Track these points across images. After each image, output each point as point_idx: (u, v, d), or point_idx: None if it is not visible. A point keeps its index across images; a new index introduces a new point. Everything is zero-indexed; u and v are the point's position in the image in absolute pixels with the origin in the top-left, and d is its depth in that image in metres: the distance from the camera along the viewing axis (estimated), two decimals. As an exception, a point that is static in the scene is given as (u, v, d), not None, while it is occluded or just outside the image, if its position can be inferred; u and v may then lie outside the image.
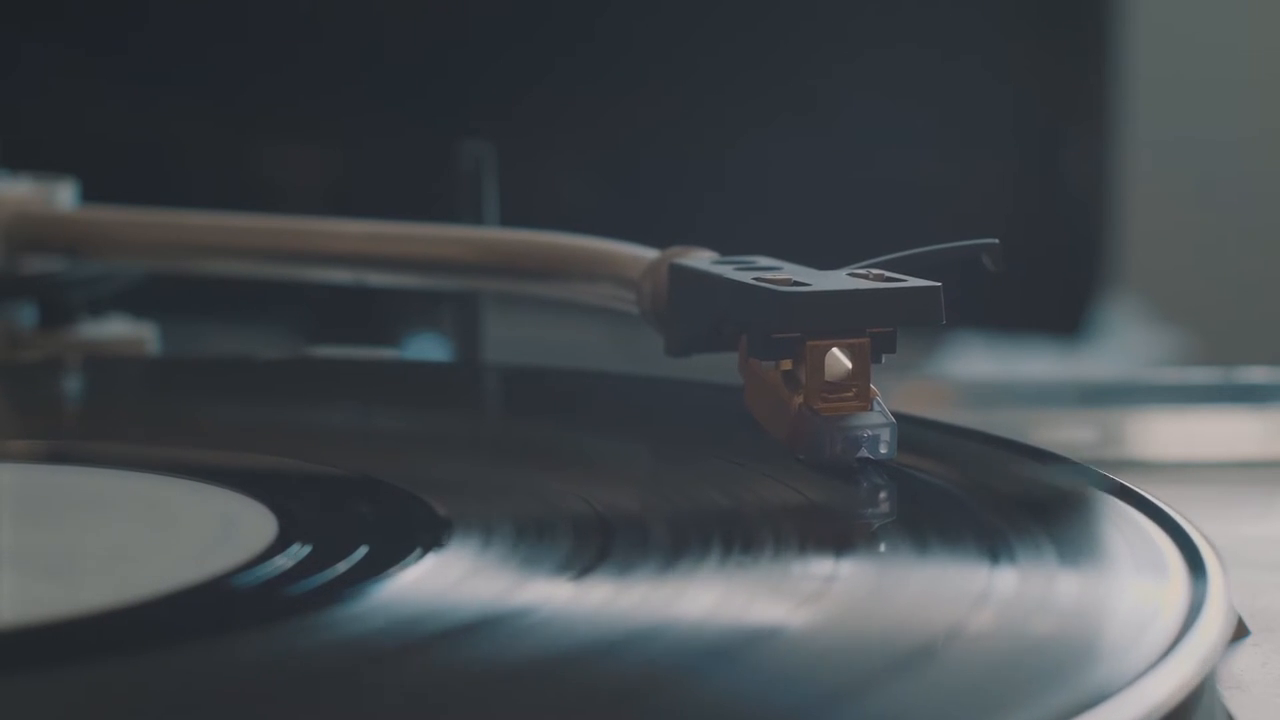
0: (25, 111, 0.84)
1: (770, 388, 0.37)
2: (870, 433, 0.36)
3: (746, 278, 0.38)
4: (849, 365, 0.36)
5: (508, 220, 0.52)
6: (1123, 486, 0.36)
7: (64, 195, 0.55)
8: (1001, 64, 0.90)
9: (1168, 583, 0.31)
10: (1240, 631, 0.35)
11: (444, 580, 0.31)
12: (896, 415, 0.37)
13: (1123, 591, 0.31)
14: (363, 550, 0.32)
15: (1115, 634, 0.29)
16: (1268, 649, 0.34)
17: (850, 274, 0.38)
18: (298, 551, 0.32)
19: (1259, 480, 0.51)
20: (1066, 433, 0.53)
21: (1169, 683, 0.26)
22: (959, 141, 0.90)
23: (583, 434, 0.42)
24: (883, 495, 0.36)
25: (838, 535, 0.34)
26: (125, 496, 0.37)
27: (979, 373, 0.79)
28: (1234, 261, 1.01)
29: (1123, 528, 0.34)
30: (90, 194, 0.55)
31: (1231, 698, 0.32)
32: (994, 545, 0.32)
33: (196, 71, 0.88)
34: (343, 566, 0.31)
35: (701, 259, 0.41)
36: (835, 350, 0.36)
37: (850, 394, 0.36)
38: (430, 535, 0.33)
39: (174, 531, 0.35)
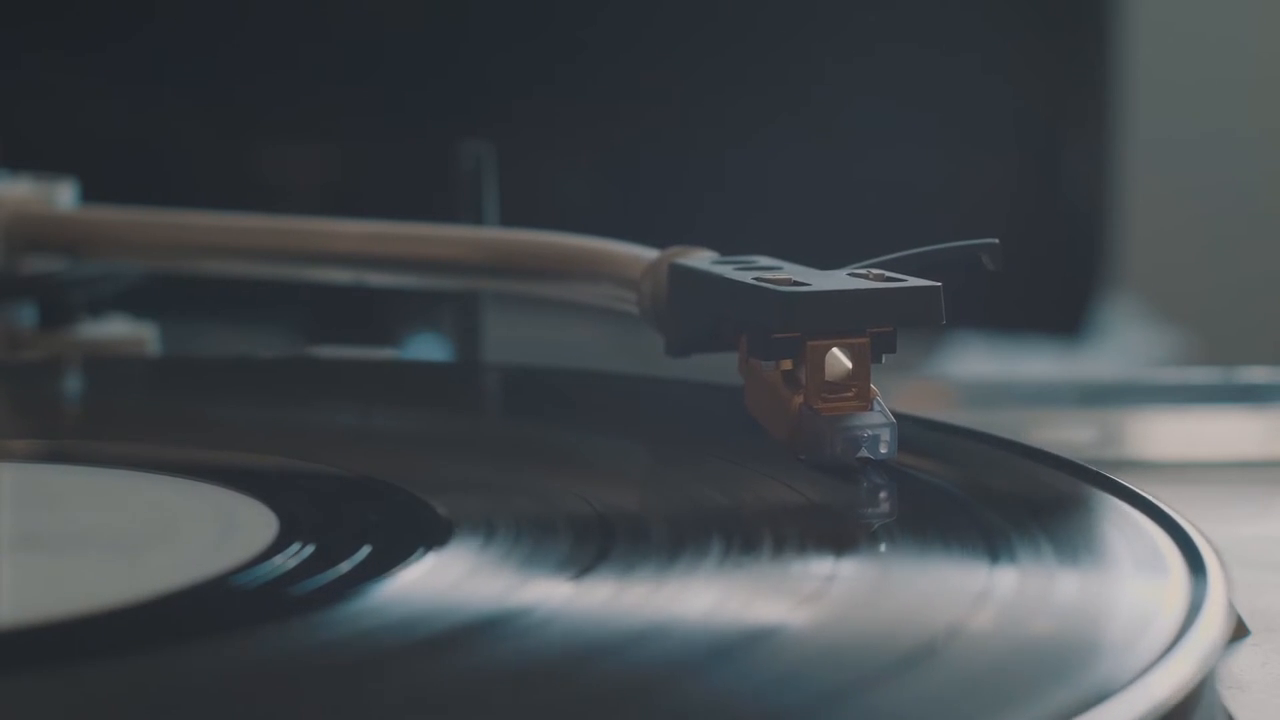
0: (25, 111, 0.84)
1: (770, 388, 0.37)
2: (870, 433, 0.36)
3: (746, 278, 0.38)
4: (849, 365, 0.36)
5: (508, 220, 0.52)
6: (1122, 486, 0.36)
7: (64, 195, 0.55)
8: (1001, 64, 0.91)
9: (1167, 582, 0.31)
10: (1240, 631, 0.35)
11: (444, 580, 0.31)
12: (896, 415, 0.37)
13: (1122, 591, 0.31)
14: (364, 550, 0.32)
15: (1115, 633, 0.29)
16: (1268, 649, 0.35)
17: (850, 274, 0.38)
18: (298, 551, 0.32)
19: (1259, 480, 0.51)
20: (1066, 433, 0.53)
21: (1169, 682, 0.26)
22: (959, 141, 0.90)
23: (583, 434, 0.42)
24: (883, 495, 0.36)
25: (838, 535, 0.34)
26: (125, 496, 0.37)
27: (979, 373, 0.79)
28: (1234, 261, 1.01)
29: (1122, 528, 0.34)
30: (90, 194, 0.55)
31: (1231, 698, 0.32)
32: (994, 545, 0.32)
33: (196, 71, 0.88)
34: (345, 566, 0.31)
35: (701, 259, 0.41)
36: (835, 350, 0.36)
37: (850, 394, 0.36)
38: (430, 535, 0.33)
39: (174, 531, 0.35)
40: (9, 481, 0.39)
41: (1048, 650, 0.28)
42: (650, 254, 0.43)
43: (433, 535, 0.33)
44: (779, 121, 0.89)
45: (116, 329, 0.55)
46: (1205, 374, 0.56)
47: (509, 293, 0.49)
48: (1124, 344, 0.92)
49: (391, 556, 0.32)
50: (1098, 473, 0.37)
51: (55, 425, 0.45)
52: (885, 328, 0.37)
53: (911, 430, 0.37)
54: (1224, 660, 0.31)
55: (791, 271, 0.38)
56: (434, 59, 0.88)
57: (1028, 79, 0.91)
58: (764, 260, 0.40)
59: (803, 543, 0.33)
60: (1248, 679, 0.33)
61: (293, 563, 0.32)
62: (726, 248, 0.42)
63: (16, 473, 0.40)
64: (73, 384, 0.50)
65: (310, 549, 0.32)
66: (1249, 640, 0.35)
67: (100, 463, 0.39)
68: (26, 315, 0.54)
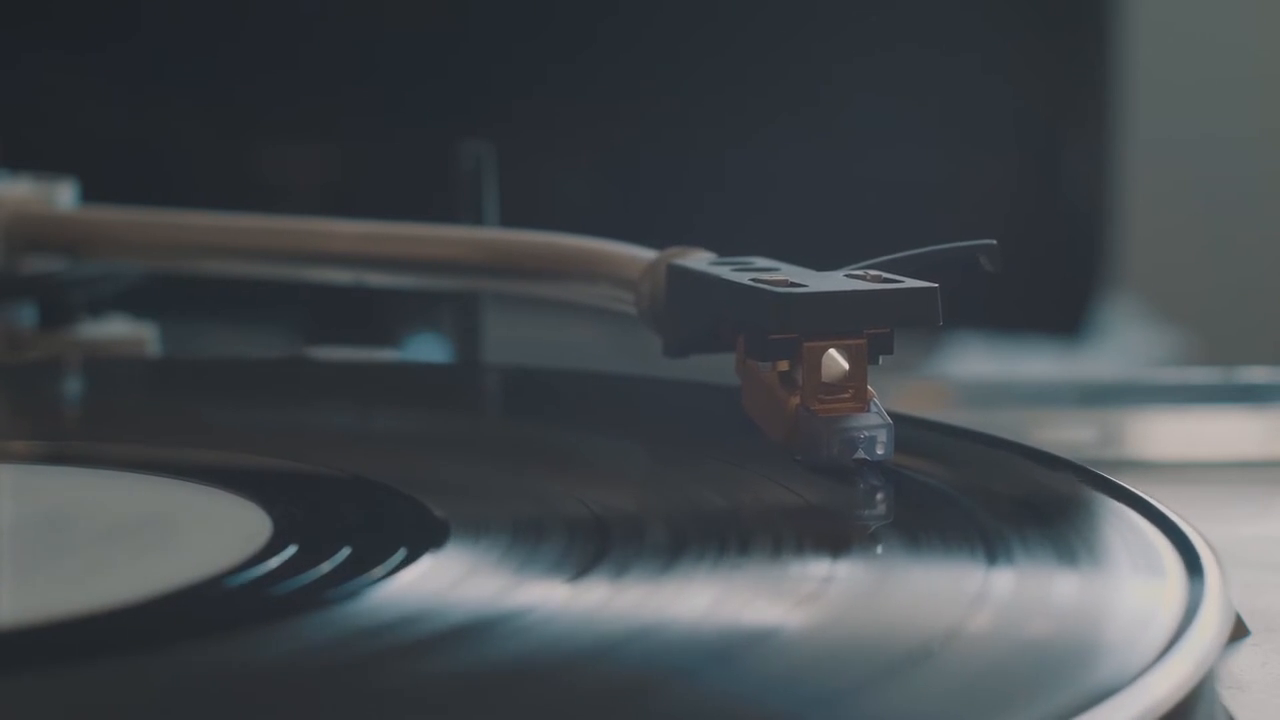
0: (25, 111, 0.84)
1: (767, 389, 0.37)
2: (867, 434, 0.36)
3: (744, 279, 0.38)
4: (846, 366, 0.36)
5: (508, 220, 0.52)
6: (1120, 487, 0.36)
7: (64, 195, 0.55)
8: (1001, 64, 0.91)
9: (1165, 583, 0.31)
10: (1240, 631, 0.35)
11: (440, 581, 0.31)
12: (894, 416, 0.36)
13: (1120, 592, 0.31)
14: (359, 552, 0.32)
15: (1113, 634, 0.29)
16: (1268, 649, 0.35)
17: (847, 275, 0.38)
18: (289, 554, 0.32)
19: (1259, 480, 0.51)
20: (1066, 433, 0.53)
21: (1167, 683, 0.26)
22: (959, 141, 0.90)
23: (581, 435, 0.42)
24: (879, 496, 0.36)
25: (835, 536, 0.34)
26: (123, 498, 0.37)
27: (979, 373, 0.80)
28: (1234, 261, 1.01)
29: (1120, 528, 0.34)
30: (90, 194, 0.55)
31: (1231, 698, 0.32)
32: (991, 546, 0.32)
33: (196, 71, 0.88)
34: (339, 568, 0.31)
35: (699, 260, 0.41)
36: (832, 351, 0.36)
37: (847, 395, 0.36)
38: (427, 537, 0.33)
39: (170, 533, 0.35)
40: (8, 482, 0.39)
41: (1046, 651, 0.28)
42: (648, 255, 0.43)
43: (429, 537, 0.33)
44: (779, 121, 0.89)
45: (116, 329, 0.55)
46: (1205, 374, 0.56)
47: (508, 293, 0.49)
48: (1124, 344, 0.92)
49: (388, 558, 0.32)
50: (1095, 473, 0.37)
51: (55, 425, 0.45)
52: (882, 329, 0.37)
53: (908, 431, 0.37)
54: (1224, 660, 0.31)
55: (789, 272, 0.38)
56: (434, 59, 0.88)
57: (1028, 79, 0.91)
58: (761, 261, 0.40)
59: (800, 544, 0.33)
60: (1248, 679, 0.33)
61: (286, 565, 0.32)
62: (726, 248, 0.42)
63: (16, 473, 0.40)
64: (73, 384, 0.50)
65: (306, 551, 0.32)
66: (1249, 640, 0.35)
67: (99, 463, 0.39)
68: (26, 315, 0.54)
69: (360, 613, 0.30)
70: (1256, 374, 0.55)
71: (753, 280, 0.37)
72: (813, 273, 0.38)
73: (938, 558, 0.32)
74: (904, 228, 0.83)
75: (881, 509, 0.36)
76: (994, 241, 0.39)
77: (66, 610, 0.30)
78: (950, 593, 0.31)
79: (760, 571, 0.31)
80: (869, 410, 0.36)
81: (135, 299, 0.55)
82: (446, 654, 0.28)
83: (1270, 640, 0.35)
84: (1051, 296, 0.92)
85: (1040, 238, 0.90)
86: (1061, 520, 0.35)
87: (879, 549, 0.33)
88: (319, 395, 0.48)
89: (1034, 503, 0.36)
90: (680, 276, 0.41)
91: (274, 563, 0.32)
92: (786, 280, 0.37)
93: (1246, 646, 0.34)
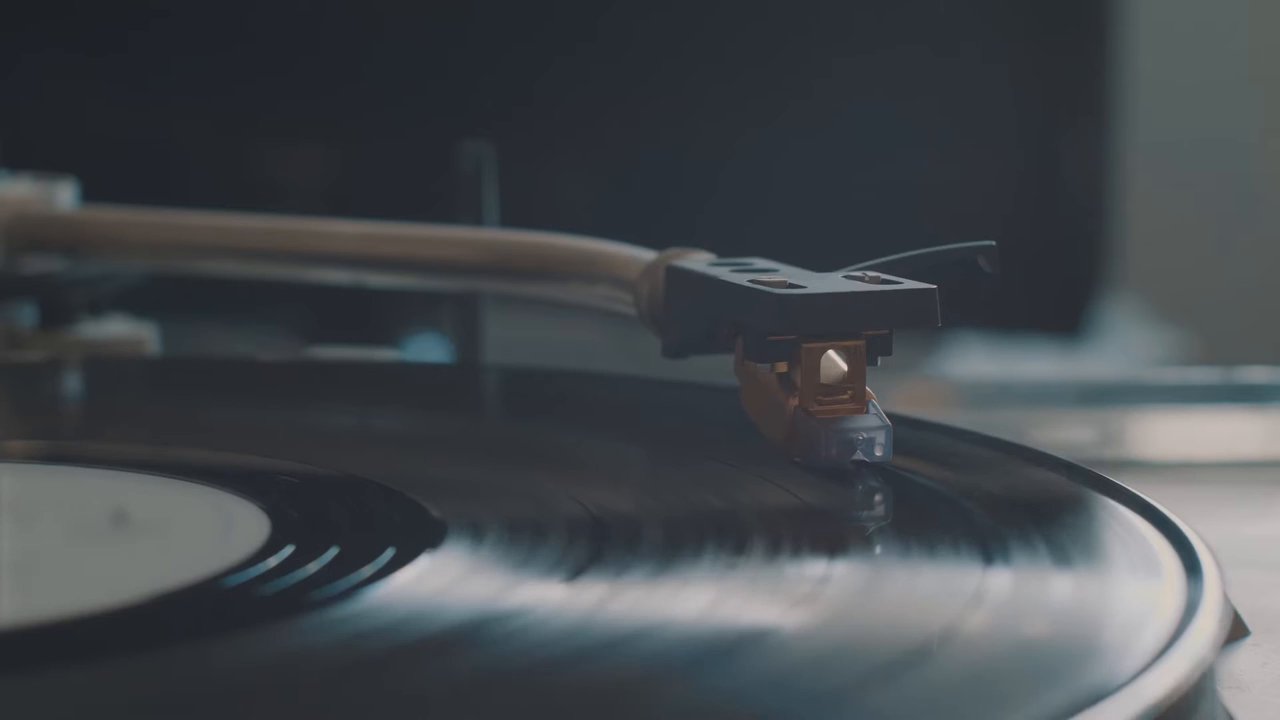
0: (25, 111, 0.84)
1: (766, 390, 0.37)
2: (865, 435, 0.36)
3: (743, 280, 0.38)
4: (844, 367, 0.36)
5: (508, 220, 0.52)
6: (1118, 487, 0.36)
7: (64, 195, 0.55)
8: (1001, 64, 0.91)
9: (1163, 583, 0.31)
10: (1240, 631, 0.35)
11: (437, 582, 0.31)
12: (893, 416, 0.36)
13: (1118, 592, 0.31)
14: (352, 553, 0.32)
15: (1110, 635, 0.29)
16: (1268, 649, 0.34)
17: (846, 276, 0.38)
18: (285, 554, 0.32)
19: (1259, 480, 0.51)
20: (1066, 433, 0.53)
21: (1164, 683, 0.26)
22: (959, 141, 0.90)
23: (579, 435, 0.42)
24: (877, 498, 0.36)
25: (832, 537, 0.34)
26: (122, 498, 0.37)
27: (979, 373, 0.79)
28: (1234, 261, 1.01)
29: (1117, 528, 0.34)
30: (90, 194, 0.55)
31: (1231, 698, 0.32)
32: (988, 546, 0.32)
33: (196, 71, 0.88)
34: (336, 569, 0.31)
35: (698, 260, 0.41)
36: (831, 353, 0.36)
37: (846, 396, 0.36)
38: (424, 537, 0.33)
39: (169, 533, 0.35)
40: (8, 482, 0.39)
41: (1044, 651, 0.28)
42: (647, 255, 0.43)
43: (427, 537, 0.33)
44: (779, 122, 0.89)
45: (116, 329, 0.55)
46: (1205, 374, 0.56)
47: (508, 294, 0.49)
48: (1124, 344, 0.92)
49: (385, 559, 0.32)
50: (1092, 473, 0.37)
51: (55, 425, 0.45)
52: (881, 330, 0.37)
53: (906, 432, 0.37)
54: (1223, 660, 0.31)
55: (787, 274, 0.38)
56: (434, 59, 0.88)
57: (1028, 79, 0.91)
58: (760, 262, 0.40)
59: (797, 545, 0.33)
60: (1248, 679, 0.33)
61: (281, 565, 0.32)
62: (725, 248, 0.42)
63: (16, 473, 0.40)
64: (73, 384, 0.50)
65: (303, 551, 0.32)
66: (1249, 640, 0.35)
67: (99, 463, 0.39)
68: (26, 315, 0.54)
69: (357, 613, 0.30)
70: (1256, 374, 0.55)
71: (751, 281, 0.37)
72: (811, 274, 0.38)
73: (935, 558, 0.32)
74: (904, 228, 0.83)
75: (879, 510, 0.36)
76: (993, 243, 0.39)
77: (64, 610, 0.30)
78: (947, 593, 0.31)
79: (758, 572, 0.31)
80: (867, 412, 0.36)
81: (135, 299, 0.55)
82: (444, 654, 0.28)
83: (1270, 640, 0.35)
84: (1051, 296, 0.92)
85: (1040, 238, 0.90)
86: (1059, 520, 0.35)
87: (877, 549, 0.33)
88: (319, 395, 0.48)
89: (1032, 503, 0.36)
90: (679, 277, 0.41)
91: (271, 563, 0.32)
92: (785, 281, 0.37)
93: (1246, 646, 0.34)
